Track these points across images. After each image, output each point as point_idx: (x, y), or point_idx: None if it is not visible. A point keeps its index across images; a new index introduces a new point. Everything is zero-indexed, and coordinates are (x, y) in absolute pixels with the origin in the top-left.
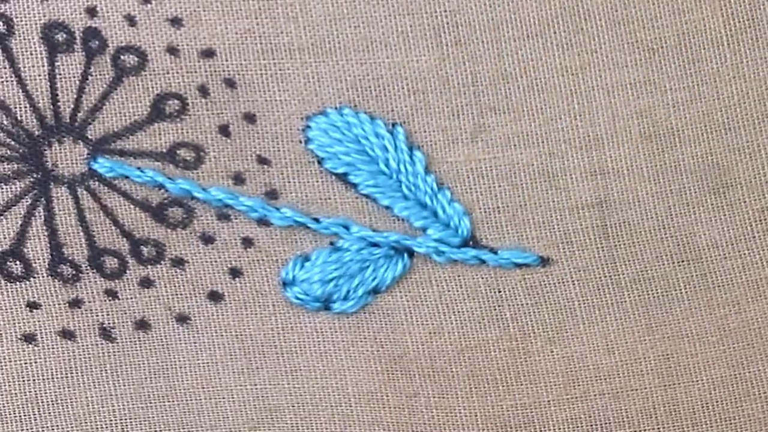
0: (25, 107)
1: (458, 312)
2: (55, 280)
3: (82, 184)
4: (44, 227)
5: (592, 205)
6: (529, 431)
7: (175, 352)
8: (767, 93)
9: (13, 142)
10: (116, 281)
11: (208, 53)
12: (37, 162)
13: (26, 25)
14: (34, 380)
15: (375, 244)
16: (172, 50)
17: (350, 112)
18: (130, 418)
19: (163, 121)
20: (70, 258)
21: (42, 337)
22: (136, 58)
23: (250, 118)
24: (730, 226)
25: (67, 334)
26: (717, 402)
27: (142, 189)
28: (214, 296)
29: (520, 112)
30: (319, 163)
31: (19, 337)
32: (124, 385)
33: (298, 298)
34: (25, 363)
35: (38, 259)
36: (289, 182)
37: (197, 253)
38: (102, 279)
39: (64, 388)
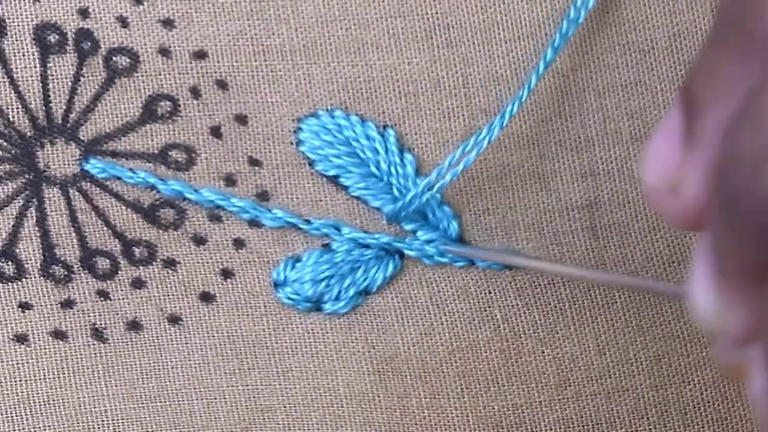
0: (17, 108)
1: (449, 313)
2: (47, 281)
3: (74, 185)
4: (36, 228)
5: (583, 206)
6: None
7: (167, 352)
8: None
9: (5, 143)
10: (108, 282)
11: (200, 55)
12: (29, 163)
13: (18, 26)
14: (26, 381)
15: (366, 246)
16: (164, 52)
17: (341, 114)
18: (123, 419)
19: (154, 123)
20: (62, 259)
21: (34, 338)
22: (128, 60)
23: (241, 119)
24: None
25: (59, 335)
26: (709, 402)
27: (134, 190)
28: (206, 297)
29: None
30: (310, 164)
31: (11, 337)
32: (116, 386)
33: (289, 299)
34: (17, 363)
35: (30, 260)
36: (281, 184)
37: (189, 254)
38: (94, 280)
39: (56, 388)
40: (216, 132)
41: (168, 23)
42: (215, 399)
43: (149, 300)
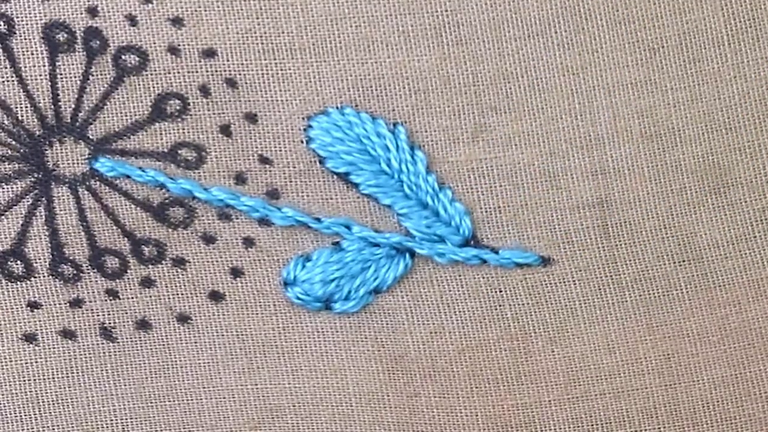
0: (26, 107)
1: (459, 312)
2: (56, 280)
3: (83, 184)
4: (45, 227)
5: (593, 204)
6: (530, 431)
7: (176, 351)
8: None
9: (14, 142)
10: (117, 281)
11: (210, 53)
12: (38, 162)
13: (27, 25)
14: (34, 380)
15: (376, 244)
16: (174, 50)
17: (352, 111)
18: (131, 418)
19: (164, 121)
20: (71, 258)
21: (43, 337)
22: (137, 58)
23: (251, 117)
24: (730, 225)
25: (67, 334)
26: (718, 402)
27: (144, 189)
28: (215, 296)
29: (521, 111)
30: (320, 162)
31: (19, 336)
32: (125, 385)
33: (299, 298)
34: (26, 363)
35: (39, 259)
36: (291, 182)
37: (198, 252)
38: (103, 279)
39: (64, 387)
40: (226, 130)
41: (177, 21)
42: (224, 398)
43: (158, 299)
